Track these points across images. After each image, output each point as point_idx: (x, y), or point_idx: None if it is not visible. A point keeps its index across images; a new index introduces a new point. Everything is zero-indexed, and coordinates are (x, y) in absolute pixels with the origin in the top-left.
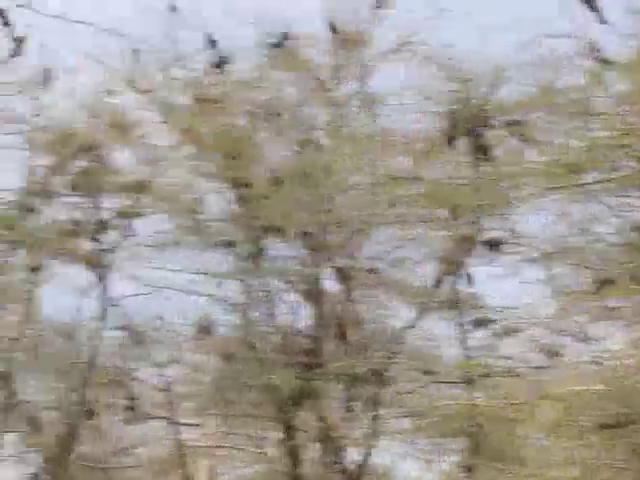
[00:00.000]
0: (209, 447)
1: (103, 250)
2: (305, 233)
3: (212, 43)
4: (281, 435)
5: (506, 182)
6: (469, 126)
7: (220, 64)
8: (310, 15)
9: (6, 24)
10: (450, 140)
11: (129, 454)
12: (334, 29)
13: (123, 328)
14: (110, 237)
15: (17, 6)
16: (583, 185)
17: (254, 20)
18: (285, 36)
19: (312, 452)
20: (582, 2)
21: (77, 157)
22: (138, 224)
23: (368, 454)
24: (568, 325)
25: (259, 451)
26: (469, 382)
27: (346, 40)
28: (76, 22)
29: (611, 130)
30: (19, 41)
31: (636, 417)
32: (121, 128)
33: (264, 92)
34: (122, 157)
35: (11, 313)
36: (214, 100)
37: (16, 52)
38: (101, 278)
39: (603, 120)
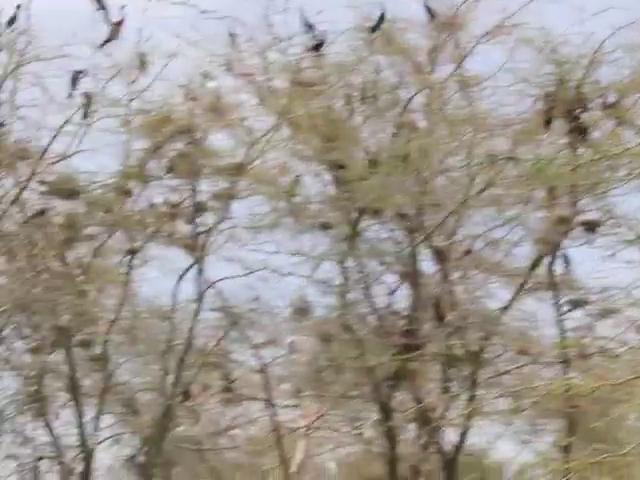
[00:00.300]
0: (306, 428)
1: (200, 233)
2: (402, 214)
3: (309, 27)
4: (378, 416)
5: (603, 164)
6: (566, 108)
7: (317, 47)
8: None
9: (102, 8)
10: (547, 122)
11: (226, 436)
12: (431, 12)
13: (220, 310)
14: (207, 220)
15: None
16: None
17: (351, 3)
18: (382, 19)
19: (409, 433)
20: None
21: (174, 140)
22: (235, 207)
23: (464, 434)
24: None
25: (356, 432)
26: (566, 362)
27: (443, 23)
28: (174, 3)
29: None
30: (115, 25)
31: None
32: (218, 111)
33: (361, 75)
34: (219, 140)
35: (108, 296)
36: (311, 83)
37: (112, 36)
38: (198, 260)
39: None
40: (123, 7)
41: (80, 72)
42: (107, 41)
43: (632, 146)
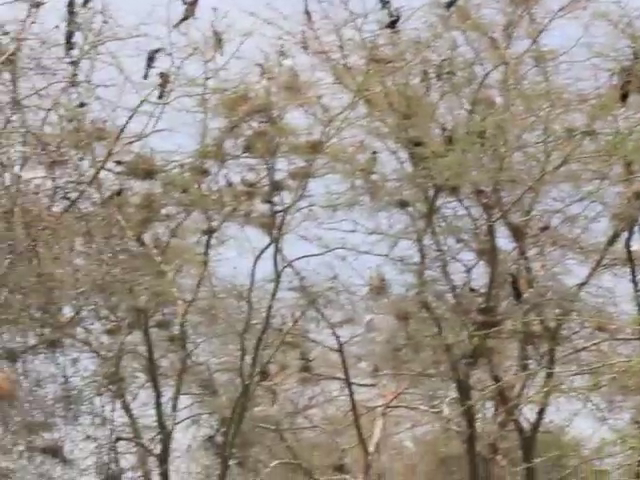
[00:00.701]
0: (384, 407)
1: (277, 212)
2: (479, 191)
3: (385, 3)
4: (456, 394)
5: None
6: None
7: (393, 24)
8: None
9: None
10: (624, 96)
11: (303, 415)
12: None
13: (297, 289)
14: (284, 198)
15: None
16: None
17: None
18: None
19: (486, 411)
20: None
21: (251, 119)
22: (312, 185)
23: (542, 412)
24: None
25: (433, 410)
26: None
27: None
28: None
29: None
30: (190, 3)
31: None
32: (295, 89)
33: (437, 51)
34: (296, 118)
35: (186, 276)
36: (387, 60)
37: (188, 15)
38: (275, 239)
39: None
40: None
41: (156, 51)
42: (183, 20)
43: None
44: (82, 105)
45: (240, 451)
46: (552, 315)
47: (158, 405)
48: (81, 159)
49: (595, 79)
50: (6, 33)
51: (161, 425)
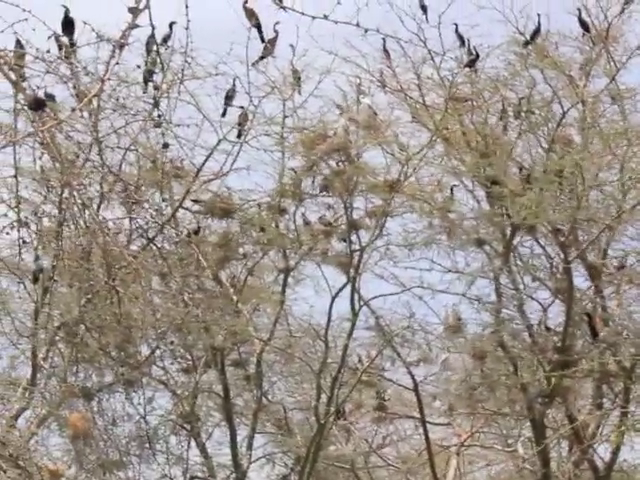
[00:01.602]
0: (458, 446)
1: (354, 250)
2: (556, 230)
3: (463, 41)
4: (531, 433)
5: None
6: None
7: (472, 62)
8: (559, 11)
9: (257, 25)
10: None
11: (378, 454)
12: (585, 25)
13: (374, 328)
14: (361, 237)
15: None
16: None
17: (506, 17)
18: (537, 33)
19: (561, 450)
20: None
21: (329, 158)
22: (389, 224)
23: (617, 451)
24: None
25: (508, 450)
26: None
27: (597, 35)
28: (323, 18)
29: None
30: (269, 42)
31: None
32: (373, 128)
33: (515, 90)
34: (374, 157)
35: (262, 314)
36: (465, 98)
37: (266, 53)
38: (352, 278)
39: None
40: (277, 24)
41: (234, 90)
42: (261, 58)
43: None
44: (165, 146)
45: None
46: (628, 354)
47: (233, 444)
48: (163, 199)
49: None
50: (89, 73)
51: (236, 464)
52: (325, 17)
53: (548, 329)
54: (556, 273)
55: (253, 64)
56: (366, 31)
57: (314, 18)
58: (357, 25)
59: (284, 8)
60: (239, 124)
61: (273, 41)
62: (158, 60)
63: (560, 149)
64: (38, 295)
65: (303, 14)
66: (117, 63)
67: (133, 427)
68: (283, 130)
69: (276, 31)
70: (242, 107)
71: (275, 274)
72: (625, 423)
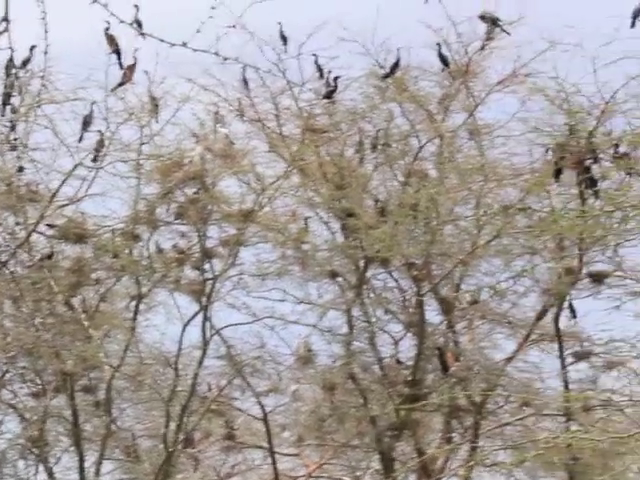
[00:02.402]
0: (306, 477)
1: (207, 279)
2: (409, 264)
3: (322, 72)
4: (379, 466)
5: (613, 215)
6: (577, 158)
7: (330, 94)
8: (420, 45)
9: (116, 51)
10: (558, 172)
11: None
12: (445, 60)
13: (224, 357)
14: (215, 266)
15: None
16: None
17: (365, 50)
18: (396, 66)
19: None
20: None
21: (185, 186)
22: (243, 253)
23: None
24: None
25: None
26: (569, 415)
27: (456, 70)
28: (195, 50)
29: None
30: (128, 68)
31: None
32: (229, 157)
33: (373, 122)
34: (229, 186)
35: (114, 341)
36: (322, 130)
37: (125, 79)
38: (204, 307)
39: None
40: (136, 50)
41: (92, 115)
42: (119, 84)
43: None
44: (21, 170)
45: None
46: (478, 389)
47: (81, 469)
48: (17, 223)
49: (530, 154)
50: None
51: None
52: (184, 45)
53: (399, 362)
54: (408, 307)
55: (112, 90)
56: (225, 59)
57: (172, 45)
58: (216, 54)
59: (143, 35)
60: (96, 150)
61: (132, 68)
62: (16, 83)
63: (416, 183)
64: None
65: (162, 41)
66: None
67: None
68: (139, 157)
69: (135, 58)
70: (100, 131)
71: (127, 300)
72: (474, 458)
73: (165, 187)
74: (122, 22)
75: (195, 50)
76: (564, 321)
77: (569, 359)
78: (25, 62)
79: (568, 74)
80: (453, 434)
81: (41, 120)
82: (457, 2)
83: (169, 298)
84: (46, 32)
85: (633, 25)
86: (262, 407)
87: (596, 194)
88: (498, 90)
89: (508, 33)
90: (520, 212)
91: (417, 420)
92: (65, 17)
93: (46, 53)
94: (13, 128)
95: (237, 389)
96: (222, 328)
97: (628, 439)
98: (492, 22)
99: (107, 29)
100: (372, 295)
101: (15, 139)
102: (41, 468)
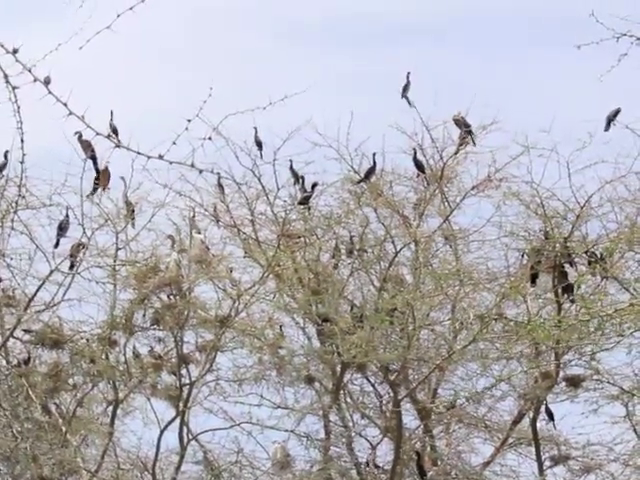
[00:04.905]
0: None
1: (184, 384)
2: (386, 369)
3: (297, 178)
4: None
5: (587, 321)
6: (553, 263)
7: (306, 200)
8: (394, 150)
9: (93, 158)
10: (533, 276)
11: None
12: (419, 165)
13: (202, 462)
14: (191, 371)
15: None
16: None
17: (340, 155)
18: (372, 172)
19: None
20: None
21: (161, 291)
22: (220, 359)
23: None
24: None
25: None
26: None
27: (431, 176)
28: (159, 158)
29: None
30: (104, 175)
31: None
32: (205, 262)
33: (348, 228)
34: (205, 292)
35: (91, 445)
36: (298, 235)
37: (101, 185)
38: (181, 412)
39: None
40: (108, 163)
41: (68, 221)
42: (94, 190)
43: (623, 306)
44: None
45: None
46: None
47: None
48: None
49: (505, 259)
50: None
51: None
52: (160, 157)
53: (377, 467)
54: (385, 411)
55: (87, 196)
56: (201, 172)
57: (149, 158)
58: (192, 165)
59: (119, 146)
60: (71, 255)
61: (105, 173)
62: None
63: (392, 288)
64: None
65: (139, 154)
66: None
67: None
68: (115, 262)
69: (108, 162)
70: (81, 242)
71: (104, 405)
72: None
73: (141, 293)
74: (98, 134)
75: (171, 162)
76: (541, 425)
77: (547, 463)
78: (0, 168)
79: (543, 178)
80: None
81: (17, 226)
82: (431, 106)
83: (146, 403)
84: (22, 141)
85: (607, 129)
86: None
87: (572, 301)
88: (473, 195)
89: (474, 144)
90: (495, 320)
91: None
92: (40, 124)
93: (22, 162)
94: None
95: None
96: (199, 433)
97: None
98: (465, 127)
99: (80, 135)
100: (349, 400)
101: None
102: None
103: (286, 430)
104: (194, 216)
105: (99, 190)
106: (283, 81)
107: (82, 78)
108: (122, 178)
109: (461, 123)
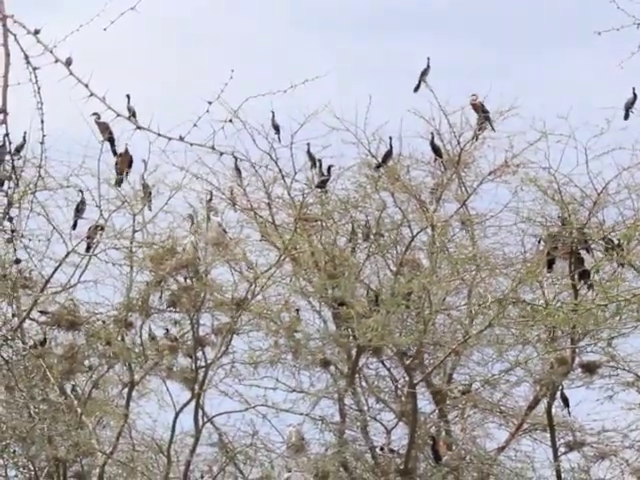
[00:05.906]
0: None
1: (200, 367)
2: (402, 353)
3: (314, 162)
4: None
5: (605, 306)
6: (569, 249)
7: (322, 183)
8: (411, 134)
9: (110, 140)
10: (550, 262)
11: None
12: (437, 150)
13: (217, 445)
14: (207, 354)
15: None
16: None
17: (358, 139)
18: (389, 156)
19: None
20: None
21: (177, 274)
22: (236, 341)
23: None
24: None
25: None
26: None
27: (448, 161)
28: (179, 140)
29: None
30: (121, 156)
31: None
32: (222, 246)
33: (365, 212)
34: (222, 274)
35: (106, 427)
36: (315, 219)
37: (118, 168)
38: (197, 395)
39: None
40: (130, 137)
41: (85, 203)
42: (120, 180)
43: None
44: (17, 262)
45: None
46: (471, 478)
47: None
48: (13, 315)
49: (522, 244)
50: None
51: None
52: (181, 139)
53: (391, 451)
54: (401, 396)
55: (115, 184)
56: (221, 154)
57: (170, 139)
58: (212, 148)
59: (140, 127)
60: (88, 237)
61: (124, 156)
62: (10, 170)
63: (408, 272)
64: None
65: (160, 135)
66: None
67: None
68: (132, 244)
69: (127, 147)
70: (98, 224)
71: (120, 387)
72: None
73: (158, 275)
74: (119, 116)
75: (192, 144)
76: (556, 411)
77: (561, 449)
78: (19, 149)
79: (560, 164)
80: None
81: (35, 207)
82: (449, 91)
83: (162, 385)
84: (42, 122)
85: (627, 117)
86: None
87: (590, 286)
88: (490, 180)
89: (493, 129)
90: (513, 304)
91: None
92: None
93: (42, 143)
94: (10, 219)
95: (229, 477)
96: (214, 416)
97: None
98: (483, 112)
99: (98, 117)
100: (364, 384)
101: (12, 231)
102: None
103: (301, 413)
104: (211, 199)
105: (122, 175)
106: (299, 65)
107: (103, 60)
108: (143, 161)
109: (479, 108)
